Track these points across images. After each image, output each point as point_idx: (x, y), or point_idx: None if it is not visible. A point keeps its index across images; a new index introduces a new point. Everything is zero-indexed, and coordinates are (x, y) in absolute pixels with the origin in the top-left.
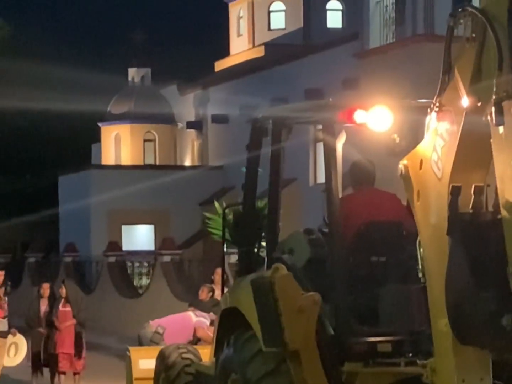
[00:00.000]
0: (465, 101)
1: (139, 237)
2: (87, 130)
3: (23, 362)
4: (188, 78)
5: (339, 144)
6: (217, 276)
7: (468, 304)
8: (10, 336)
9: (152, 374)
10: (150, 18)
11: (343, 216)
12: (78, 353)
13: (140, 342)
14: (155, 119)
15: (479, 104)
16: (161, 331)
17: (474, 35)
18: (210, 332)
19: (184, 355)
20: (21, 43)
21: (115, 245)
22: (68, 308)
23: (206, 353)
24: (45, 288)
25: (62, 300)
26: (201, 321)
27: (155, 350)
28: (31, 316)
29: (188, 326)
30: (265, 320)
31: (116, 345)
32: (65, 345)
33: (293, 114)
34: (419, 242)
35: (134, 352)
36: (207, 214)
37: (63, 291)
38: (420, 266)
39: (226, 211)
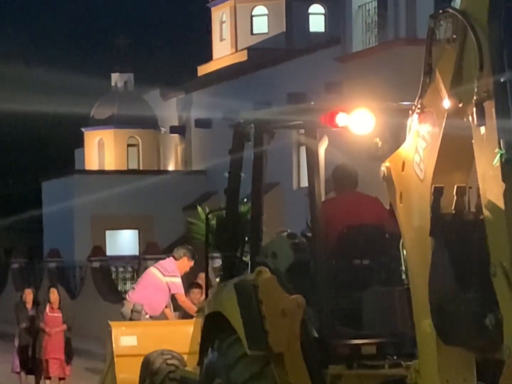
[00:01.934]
0: (447, 102)
1: (123, 242)
2: (70, 135)
3: (7, 370)
4: (171, 83)
5: (322, 148)
6: (201, 280)
7: (451, 304)
8: None
9: (133, 351)
10: (133, 23)
11: (326, 220)
12: (68, 359)
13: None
14: (138, 124)
15: (460, 105)
16: (139, 308)
17: (454, 36)
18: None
19: (169, 361)
20: (3, 47)
21: (99, 250)
22: (57, 314)
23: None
24: (28, 294)
25: (49, 305)
26: (174, 283)
27: (136, 326)
28: (18, 316)
29: (162, 289)
30: (249, 324)
31: (100, 350)
32: (56, 350)
33: (275, 118)
34: (402, 243)
35: (115, 328)
36: (190, 219)
37: (54, 297)
38: (403, 268)
39: (209, 216)
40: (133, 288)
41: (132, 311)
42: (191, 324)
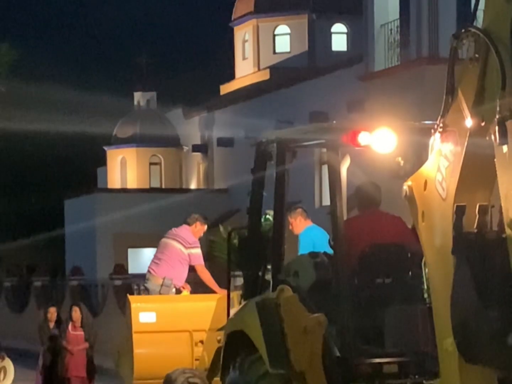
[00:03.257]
0: (469, 121)
1: (145, 260)
2: (93, 153)
3: None
4: (193, 102)
5: (344, 167)
6: None
7: (473, 323)
8: None
9: (152, 328)
10: (156, 42)
11: (348, 238)
12: (90, 377)
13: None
14: (160, 142)
15: (482, 124)
16: (168, 282)
17: (477, 55)
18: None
19: (191, 380)
20: (27, 67)
21: (121, 268)
22: (80, 332)
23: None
24: (52, 312)
25: (71, 324)
26: (194, 254)
27: (155, 302)
28: (42, 335)
29: (186, 262)
30: (270, 342)
31: None
32: (78, 368)
33: (297, 137)
34: (424, 262)
35: (134, 303)
36: (212, 238)
37: (76, 315)
38: (425, 286)
39: (231, 234)
40: (155, 262)
41: (162, 285)
42: (211, 299)
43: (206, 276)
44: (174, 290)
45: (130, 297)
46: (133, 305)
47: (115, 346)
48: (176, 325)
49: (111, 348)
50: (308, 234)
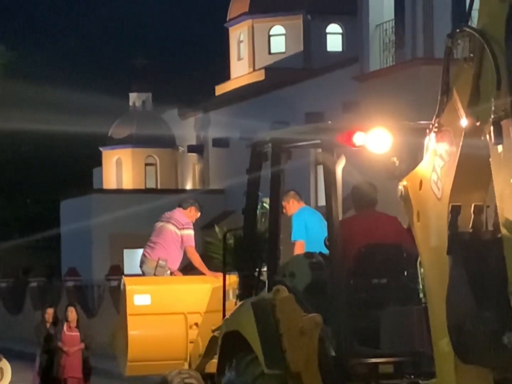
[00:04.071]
0: (464, 121)
1: None
2: (89, 154)
3: None
4: (189, 102)
5: (339, 168)
6: None
7: (469, 323)
8: None
9: (146, 311)
10: (151, 43)
11: (344, 239)
12: (86, 378)
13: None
14: (156, 143)
15: (477, 123)
16: (163, 264)
17: (472, 55)
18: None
19: (187, 380)
20: (24, 68)
21: (117, 269)
22: (75, 333)
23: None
24: (50, 313)
25: (67, 324)
26: (187, 235)
27: (150, 284)
28: (39, 336)
29: (180, 244)
30: (266, 342)
31: (118, 369)
32: (74, 369)
33: (293, 138)
34: (420, 262)
35: (130, 285)
36: (208, 239)
37: (72, 315)
38: (421, 286)
39: (227, 235)
40: (150, 246)
41: (156, 266)
42: (206, 281)
43: (195, 258)
44: (169, 272)
45: (125, 278)
46: (128, 287)
47: (110, 329)
48: (171, 308)
49: (108, 348)
50: (300, 215)
